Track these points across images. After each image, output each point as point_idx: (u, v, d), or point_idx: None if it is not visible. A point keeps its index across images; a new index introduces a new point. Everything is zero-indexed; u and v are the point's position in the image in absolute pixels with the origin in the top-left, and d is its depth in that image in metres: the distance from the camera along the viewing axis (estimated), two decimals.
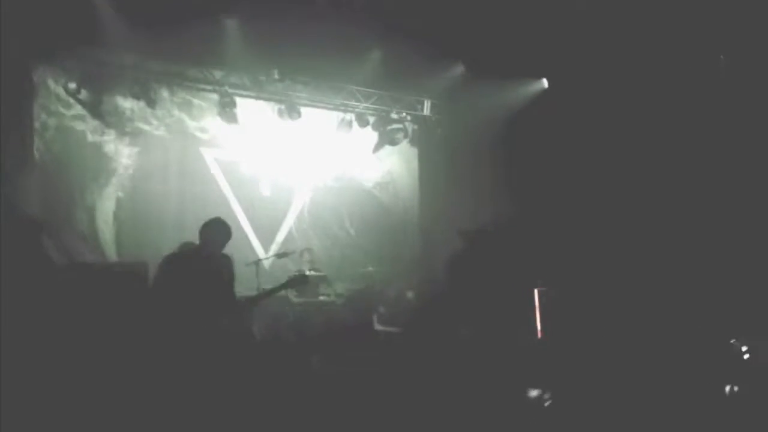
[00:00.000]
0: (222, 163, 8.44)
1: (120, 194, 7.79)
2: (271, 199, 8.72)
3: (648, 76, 7.70)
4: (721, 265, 7.04)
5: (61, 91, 7.33)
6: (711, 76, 7.40)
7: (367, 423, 5.32)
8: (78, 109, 7.52)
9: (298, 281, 5.45)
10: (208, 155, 8.31)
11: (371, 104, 8.85)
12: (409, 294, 8.37)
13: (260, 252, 8.41)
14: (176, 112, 8.06)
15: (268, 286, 5.89)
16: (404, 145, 9.37)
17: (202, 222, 5.12)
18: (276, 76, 8.03)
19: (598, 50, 7.80)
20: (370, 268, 8.52)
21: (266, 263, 7.89)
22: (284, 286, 5.44)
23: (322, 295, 7.63)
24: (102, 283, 6.06)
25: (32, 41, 6.79)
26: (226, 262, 5.24)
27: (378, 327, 7.76)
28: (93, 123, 7.64)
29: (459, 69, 8.49)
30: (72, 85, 7.34)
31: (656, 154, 7.77)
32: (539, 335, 7.54)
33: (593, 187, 8.15)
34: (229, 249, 5.39)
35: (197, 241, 5.09)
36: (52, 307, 5.64)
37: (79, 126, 7.54)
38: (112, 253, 7.71)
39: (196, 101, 8.12)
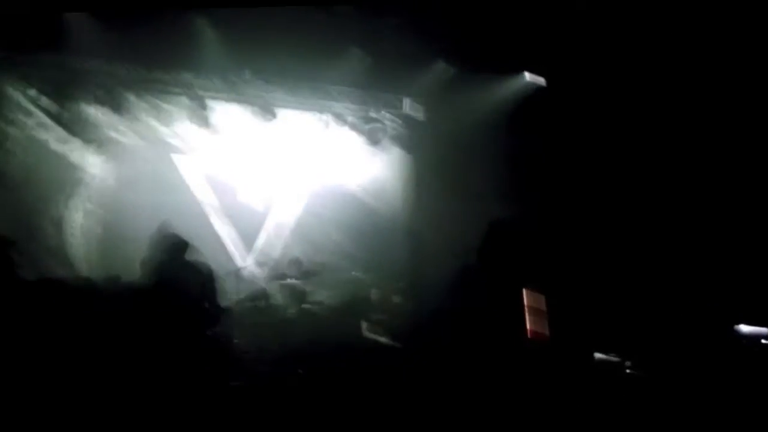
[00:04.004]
0: (195, 170, 8.39)
1: (88, 205, 7.77)
2: (248, 206, 8.68)
3: (643, 70, 7.73)
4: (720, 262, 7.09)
5: (20, 98, 7.29)
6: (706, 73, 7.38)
7: None
8: (39, 117, 7.47)
9: None
10: (181, 162, 8.25)
11: (349, 103, 8.85)
12: (395, 299, 8.34)
13: (238, 261, 8.35)
14: (144, 117, 8.02)
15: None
16: (389, 145, 9.36)
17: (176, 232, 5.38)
18: (247, 77, 8.03)
19: (589, 46, 7.86)
20: (356, 274, 8.49)
21: (245, 272, 7.92)
22: None
23: (307, 303, 7.61)
24: (75, 298, 6.06)
25: None
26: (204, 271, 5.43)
27: (367, 335, 7.78)
28: (56, 131, 7.61)
29: (441, 66, 8.53)
30: (32, 92, 7.33)
31: (652, 149, 7.80)
32: (529, 335, 7.63)
33: (587, 186, 8.21)
34: (206, 258, 5.49)
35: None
36: (25, 326, 5.57)
37: (42, 135, 7.53)
38: (82, 268, 7.64)
39: (165, 105, 8.10)
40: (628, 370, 6.79)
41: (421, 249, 9.11)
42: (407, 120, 9.32)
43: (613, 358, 6.91)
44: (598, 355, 6.83)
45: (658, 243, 7.81)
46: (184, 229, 7.10)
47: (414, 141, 9.42)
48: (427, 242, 8.87)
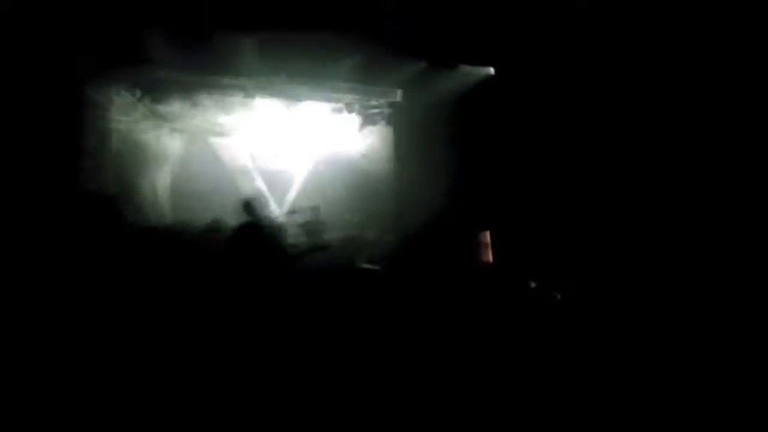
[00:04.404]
0: (241, 148, 10.65)
1: (172, 173, 9.95)
2: (281, 171, 11.04)
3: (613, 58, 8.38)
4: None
5: (129, 99, 8.97)
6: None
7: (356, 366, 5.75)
8: (140, 113, 9.26)
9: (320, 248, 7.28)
10: (232, 143, 10.51)
11: (356, 95, 10.46)
12: (386, 237, 9.98)
13: (276, 210, 10.55)
14: (209, 111, 9.68)
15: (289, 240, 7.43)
16: (382, 125, 11.02)
17: (233, 193, 6.90)
18: (284, 78, 9.49)
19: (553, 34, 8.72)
20: (356, 219, 10.47)
21: (282, 218, 9.81)
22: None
23: (321, 239, 8.96)
24: (164, 239, 7.50)
25: (105, 63, 8.19)
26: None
27: (362, 264, 8.78)
28: (151, 122, 9.48)
29: (422, 64, 9.84)
30: (137, 95, 9.05)
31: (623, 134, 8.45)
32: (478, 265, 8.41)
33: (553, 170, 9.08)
34: (258, 210, 6.74)
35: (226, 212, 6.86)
36: (128, 264, 6.66)
37: (141, 125, 9.40)
38: (169, 217, 9.67)
39: (224, 101, 9.66)
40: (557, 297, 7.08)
41: (404, 200, 10.38)
42: (398, 106, 10.73)
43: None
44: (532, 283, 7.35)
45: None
46: (237, 190, 9.64)
47: (403, 122, 10.78)
48: (411, 197, 10.08)
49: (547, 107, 9.28)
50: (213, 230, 7.97)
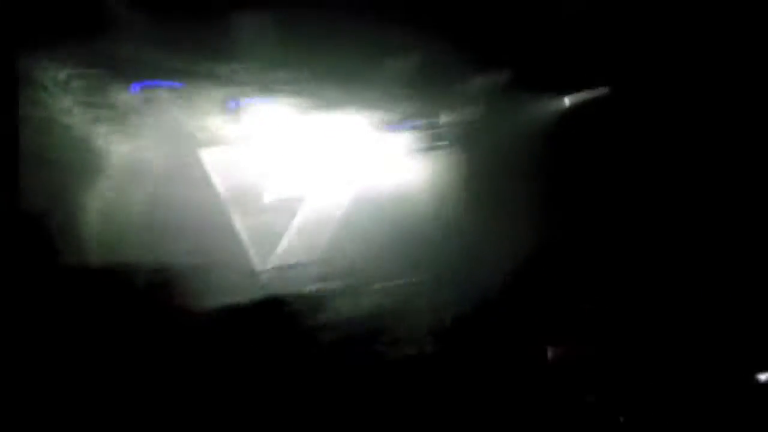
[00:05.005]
0: (222, 166, 8.13)
1: (108, 194, 7.51)
2: (273, 207, 8.42)
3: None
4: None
5: (49, 81, 6.99)
6: None
7: None
8: (66, 102, 7.14)
9: None
10: (208, 157, 8.01)
11: (412, 105, 8.54)
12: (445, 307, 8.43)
13: (257, 263, 8.11)
14: (176, 108, 7.66)
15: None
16: (445, 151, 9.01)
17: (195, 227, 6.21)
18: (304, 74, 7.71)
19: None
20: (402, 278, 8.48)
21: (264, 276, 7.82)
22: None
23: (330, 314, 7.64)
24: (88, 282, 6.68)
25: (19, 28, 6.66)
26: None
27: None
28: (82, 117, 7.23)
29: (504, 76, 8.43)
30: (62, 76, 7.00)
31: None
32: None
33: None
34: (225, 258, 6.42)
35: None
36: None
37: (66, 119, 7.18)
38: (94, 254, 7.39)
39: (198, 98, 7.67)
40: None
41: (467, 256, 8.82)
42: (468, 126, 8.92)
43: None
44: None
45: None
46: (201, 223, 7.83)
47: (470, 147, 9.00)
48: (483, 251, 8.69)
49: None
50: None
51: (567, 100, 8.90)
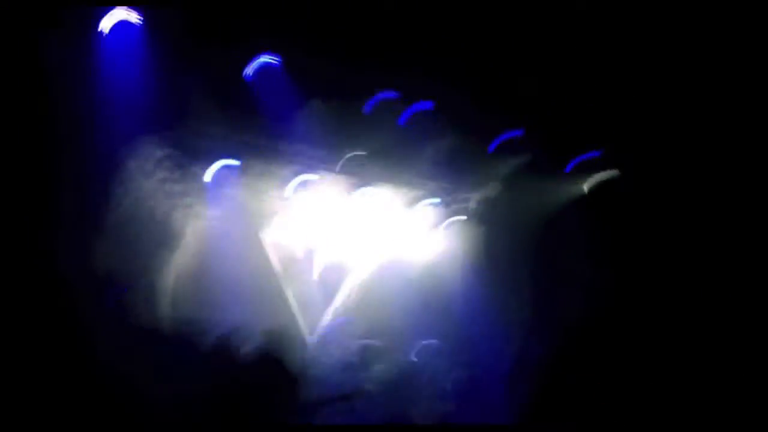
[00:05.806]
0: (279, 244, 8.64)
1: (181, 263, 7.94)
2: (320, 282, 8.90)
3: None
4: None
5: (146, 161, 7.48)
6: None
7: None
8: (157, 177, 7.62)
9: None
10: (268, 234, 8.51)
11: (438, 183, 9.15)
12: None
13: (306, 332, 8.52)
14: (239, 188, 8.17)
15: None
16: (467, 225, 9.48)
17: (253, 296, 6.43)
18: (355, 156, 8.44)
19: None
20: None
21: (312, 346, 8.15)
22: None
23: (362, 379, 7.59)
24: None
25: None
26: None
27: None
28: (168, 191, 7.73)
29: (520, 159, 9.04)
30: (159, 154, 7.51)
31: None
32: None
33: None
34: (279, 327, 6.35)
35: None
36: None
37: (156, 193, 7.65)
38: (168, 317, 7.78)
39: (261, 179, 8.24)
40: None
41: (483, 329, 8.89)
42: (488, 203, 9.46)
43: None
44: None
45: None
46: (261, 297, 8.18)
47: (491, 222, 9.43)
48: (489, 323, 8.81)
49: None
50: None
51: (581, 184, 9.24)
